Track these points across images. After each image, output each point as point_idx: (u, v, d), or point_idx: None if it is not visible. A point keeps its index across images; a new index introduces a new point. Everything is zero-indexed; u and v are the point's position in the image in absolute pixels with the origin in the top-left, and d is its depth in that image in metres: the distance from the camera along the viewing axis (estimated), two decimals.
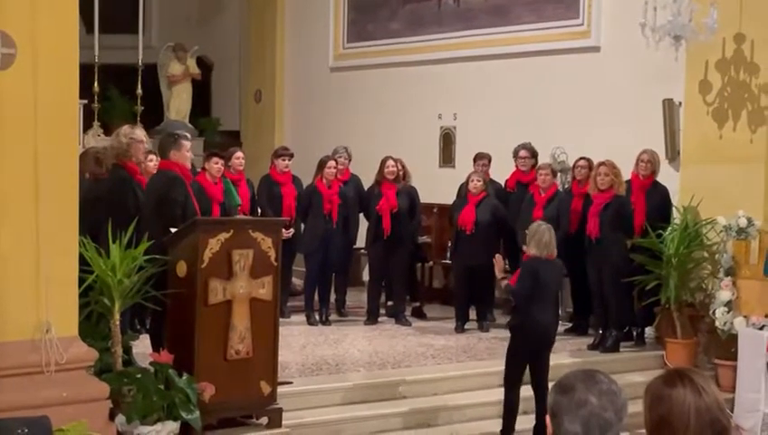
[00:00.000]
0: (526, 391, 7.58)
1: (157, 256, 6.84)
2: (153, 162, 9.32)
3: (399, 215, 10.40)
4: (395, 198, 10.38)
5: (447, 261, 11.64)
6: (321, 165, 10.42)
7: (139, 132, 8.29)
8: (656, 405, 2.71)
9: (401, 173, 10.66)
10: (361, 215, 10.93)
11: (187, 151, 7.90)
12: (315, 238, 10.35)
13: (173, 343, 6.80)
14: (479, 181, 10.18)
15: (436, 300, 11.93)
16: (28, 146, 5.81)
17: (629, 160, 9.63)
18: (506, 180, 10.74)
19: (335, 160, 10.54)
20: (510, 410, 7.50)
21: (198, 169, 9.85)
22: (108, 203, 7.70)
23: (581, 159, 10.10)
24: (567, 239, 9.64)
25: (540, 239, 7.44)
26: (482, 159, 10.78)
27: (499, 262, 7.87)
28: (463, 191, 10.40)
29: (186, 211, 7.48)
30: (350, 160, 11.03)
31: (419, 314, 11.04)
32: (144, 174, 8.67)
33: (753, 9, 9.30)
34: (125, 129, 8.25)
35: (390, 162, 10.48)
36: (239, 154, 10.44)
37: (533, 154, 10.53)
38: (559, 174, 10.67)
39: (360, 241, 11.11)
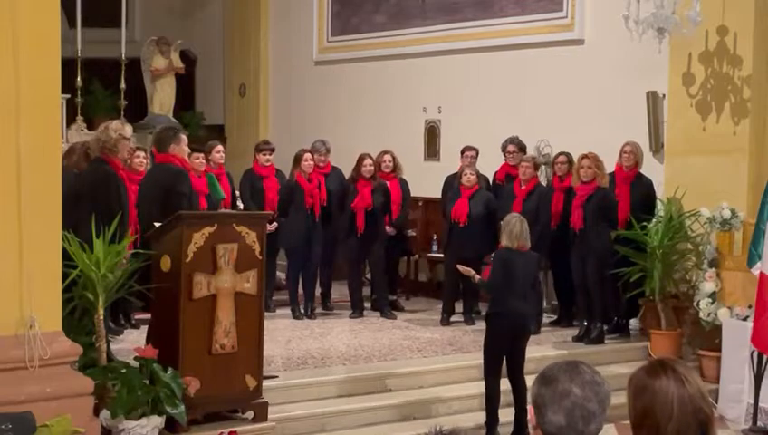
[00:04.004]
0: (507, 384, 7.60)
1: (141, 251, 6.81)
2: (140, 159, 9.28)
3: (374, 212, 10.41)
4: (370, 197, 10.36)
5: (433, 254, 11.65)
6: (298, 159, 10.32)
7: (129, 130, 8.26)
8: (639, 396, 2.72)
9: (392, 164, 10.68)
10: None
11: (186, 146, 7.90)
12: (297, 233, 10.27)
13: (158, 338, 6.78)
14: (472, 175, 10.20)
15: (421, 293, 11.94)
16: (10, 141, 5.77)
17: (614, 153, 9.65)
18: (495, 172, 10.74)
19: (311, 153, 10.47)
20: (490, 399, 7.53)
21: None
22: (91, 197, 7.65)
23: (561, 154, 10.14)
24: (550, 233, 9.68)
25: (511, 231, 7.57)
26: (469, 152, 10.73)
27: (465, 270, 7.96)
28: (456, 184, 10.41)
29: (192, 205, 7.45)
30: (328, 153, 10.98)
31: (395, 308, 10.97)
32: (129, 170, 8.64)
33: (735, 1, 9.32)
34: (115, 123, 8.18)
35: (368, 161, 10.43)
36: (219, 148, 10.41)
37: (521, 148, 10.52)
38: (543, 167, 10.70)
39: None
